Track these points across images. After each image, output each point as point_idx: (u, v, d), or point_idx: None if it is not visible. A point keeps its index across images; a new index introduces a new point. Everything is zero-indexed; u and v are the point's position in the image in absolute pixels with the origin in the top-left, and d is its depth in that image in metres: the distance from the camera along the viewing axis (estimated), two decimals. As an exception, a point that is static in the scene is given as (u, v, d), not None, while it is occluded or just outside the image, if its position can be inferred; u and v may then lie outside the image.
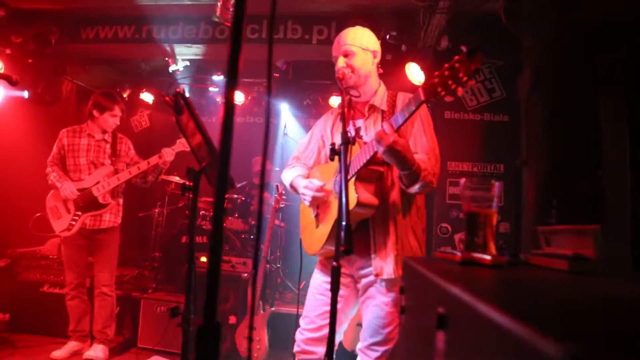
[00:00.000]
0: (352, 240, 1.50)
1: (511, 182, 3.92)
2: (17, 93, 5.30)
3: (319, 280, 2.27)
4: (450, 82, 1.57)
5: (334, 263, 1.68)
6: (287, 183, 2.45)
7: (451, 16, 3.64)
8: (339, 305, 2.16)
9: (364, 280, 2.14)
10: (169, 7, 4.50)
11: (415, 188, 1.97)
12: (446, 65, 1.59)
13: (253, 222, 4.68)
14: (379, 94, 2.23)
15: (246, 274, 3.69)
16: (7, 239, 5.12)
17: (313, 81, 5.98)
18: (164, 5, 4.47)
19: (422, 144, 2.09)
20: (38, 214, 4.14)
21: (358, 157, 1.97)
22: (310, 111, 6.32)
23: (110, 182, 3.61)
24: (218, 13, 3.59)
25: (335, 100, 5.66)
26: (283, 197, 3.68)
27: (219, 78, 5.94)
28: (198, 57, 5.25)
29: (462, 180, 1.24)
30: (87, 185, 3.61)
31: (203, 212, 4.89)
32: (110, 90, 3.86)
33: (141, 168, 3.60)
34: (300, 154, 2.52)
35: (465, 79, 1.53)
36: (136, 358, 3.70)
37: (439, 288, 0.69)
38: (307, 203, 2.23)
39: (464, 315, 0.58)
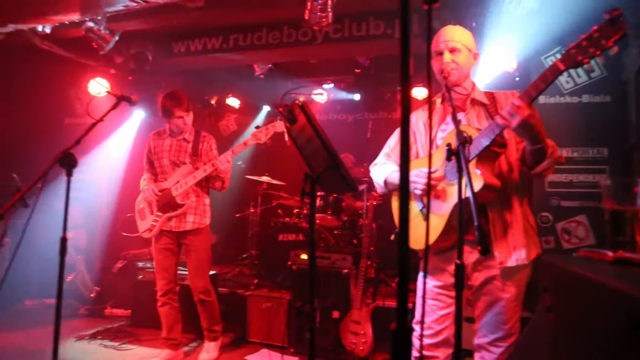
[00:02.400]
0: (488, 240, 1.52)
1: (618, 167, 3.67)
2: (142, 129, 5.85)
3: (428, 285, 2.24)
4: (591, 49, 1.62)
5: (457, 261, 1.70)
6: (380, 180, 2.43)
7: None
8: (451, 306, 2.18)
9: (478, 275, 2.12)
10: (252, 15, 4.70)
11: (542, 166, 1.95)
12: (583, 36, 1.63)
13: (345, 219, 4.78)
14: (477, 89, 2.27)
15: (346, 270, 3.79)
16: (118, 242, 5.63)
17: (395, 74, 5.98)
18: (247, 13, 4.67)
19: None
20: (128, 215, 4.32)
21: (478, 139, 1.94)
22: (392, 104, 6.42)
23: (188, 181, 3.52)
24: (306, 17, 3.71)
25: (417, 92, 5.65)
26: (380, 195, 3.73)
27: (329, 87, 6.30)
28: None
29: (602, 179, 1.23)
30: (168, 185, 3.59)
31: (297, 210, 5.07)
32: (173, 92, 3.65)
33: (206, 170, 3.48)
34: (391, 150, 2.52)
35: (610, 44, 1.57)
36: (247, 352, 3.92)
37: (628, 296, 0.71)
38: (418, 192, 2.17)
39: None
